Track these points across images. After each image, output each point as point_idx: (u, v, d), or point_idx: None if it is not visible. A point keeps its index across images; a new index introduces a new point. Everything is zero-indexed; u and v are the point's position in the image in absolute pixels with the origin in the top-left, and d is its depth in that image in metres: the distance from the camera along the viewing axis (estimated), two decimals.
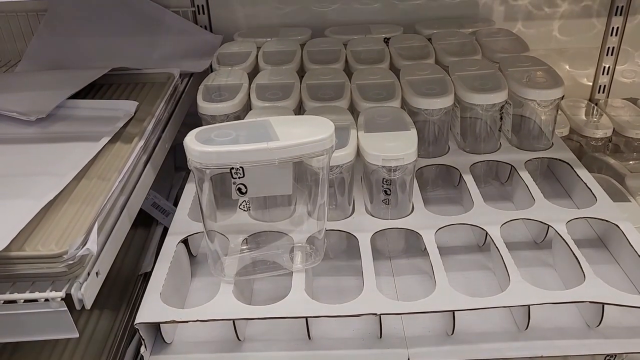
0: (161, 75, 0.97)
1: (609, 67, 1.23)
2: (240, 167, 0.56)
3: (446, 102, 0.83)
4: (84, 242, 0.58)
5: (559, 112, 1.13)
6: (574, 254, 0.66)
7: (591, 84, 1.26)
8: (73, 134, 0.80)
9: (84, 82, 0.89)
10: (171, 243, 0.71)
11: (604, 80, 1.24)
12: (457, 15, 1.18)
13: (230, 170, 0.56)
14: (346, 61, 1.01)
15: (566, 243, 0.68)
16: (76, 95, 0.88)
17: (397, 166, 0.70)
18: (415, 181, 0.78)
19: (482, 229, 0.71)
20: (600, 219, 0.72)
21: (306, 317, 0.60)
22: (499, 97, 0.83)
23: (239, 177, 0.57)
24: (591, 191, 0.77)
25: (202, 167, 0.56)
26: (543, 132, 0.88)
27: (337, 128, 0.71)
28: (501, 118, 0.86)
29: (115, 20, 1.17)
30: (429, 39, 1.06)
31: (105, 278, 0.81)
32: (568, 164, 0.84)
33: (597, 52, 1.22)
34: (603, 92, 1.26)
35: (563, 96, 0.85)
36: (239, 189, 0.57)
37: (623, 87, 1.25)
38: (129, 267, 0.87)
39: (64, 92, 0.86)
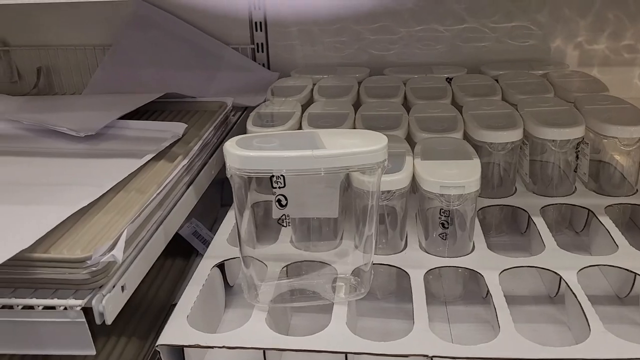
0: (214, 103, 0.96)
1: None
2: (282, 175, 0.50)
3: (514, 135, 0.76)
4: (110, 249, 0.53)
5: None
6: None
7: None
8: (119, 151, 0.78)
9: (135, 105, 0.88)
10: (205, 266, 0.66)
11: None
12: (529, 58, 1.12)
13: (271, 178, 0.51)
14: (405, 97, 0.96)
15: None
16: (129, 119, 0.88)
17: (456, 195, 0.62)
18: (477, 219, 0.71)
19: (556, 273, 0.62)
20: None
21: (346, 353, 0.52)
22: (575, 133, 0.75)
23: (280, 187, 0.51)
24: None
25: (240, 173, 0.51)
26: (625, 177, 0.78)
27: (391, 154, 0.66)
28: (577, 158, 0.78)
29: (176, 54, 1.18)
30: (496, 80, 1.01)
31: (137, 305, 0.77)
32: None
33: None
34: None
35: None
36: (279, 201, 0.52)
37: None
38: (163, 296, 0.82)
39: (115, 112, 0.85)
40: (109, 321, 0.54)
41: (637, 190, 0.79)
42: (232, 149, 0.51)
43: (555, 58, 1.12)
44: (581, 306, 0.56)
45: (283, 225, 0.55)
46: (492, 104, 0.86)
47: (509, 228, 0.83)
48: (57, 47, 1.23)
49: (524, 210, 0.76)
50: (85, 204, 0.60)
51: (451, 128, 0.79)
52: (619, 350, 0.50)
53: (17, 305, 0.52)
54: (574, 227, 0.82)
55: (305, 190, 0.56)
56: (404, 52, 1.15)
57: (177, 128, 0.83)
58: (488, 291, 0.60)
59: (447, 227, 0.65)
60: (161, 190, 0.65)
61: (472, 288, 0.70)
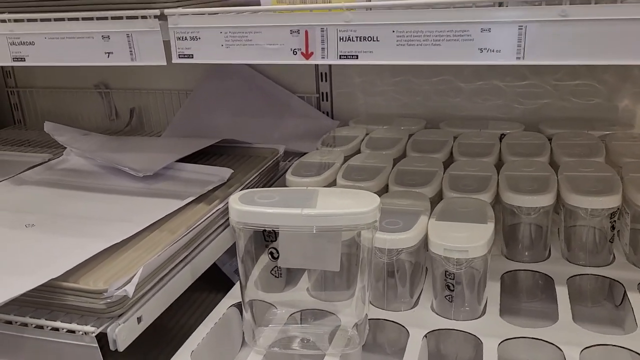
0: (267, 150, 1.03)
1: None
2: (273, 230, 0.55)
3: (544, 201, 0.75)
4: (126, 284, 0.60)
5: None
6: None
7: None
8: (169, 191, 0.87)
9: (193, 149, 0.97)
10: (223, 305, 0.71)
11: None
12: (592, 117, 1.08)
13: (263, 232, 0.55)
14: (452, 153, 0.97)
15: None
16: (189, 160, 0.97)
17: (460, 259, 0.63)
18: (496, 284, 0.70)
19: (558, 348, 0.60)
20: None
21: None
22: (607, 203, 0.72)
23: (271, 240, 0.56)
24: None
25: (237, 225, 0.56)
26: None
27: (407, 212, 0.68)
28: (612, 228, 0.75)
29: (248, 101, 1.27)
30: (550, 138, 0.98)
31: (171, 338, 0.84)
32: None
33: None
34: None
35: None
36: (271, 253, 0.56)
37: None
38: (187, 331, 0.88)
39: (173, 155, 0.94)
40: (121, 348, 0.60)
41: None
42: (233, 202, 0.57)
43: (624, 119, 1.07)
44: None
45: (275, 276, 0.59)
46: (532, 165, 0.85)
47: (542, 293, 0.80)
48: (148, 90, 1.38)
49: (550, 277, 0.74)
50: (118, 240, 0.68)
51: (481, 189, 0.79)
52: None
53: (46, 327, 0.60)
54: (615, 300, 0.78)
55: (305, 244, 0.60)
56: (463, 105, 1.16)
57: (224, 173, 0.90)
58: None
59: (453, 290, 0.65)
60: (189, 232, 0.72)
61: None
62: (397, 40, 0.56)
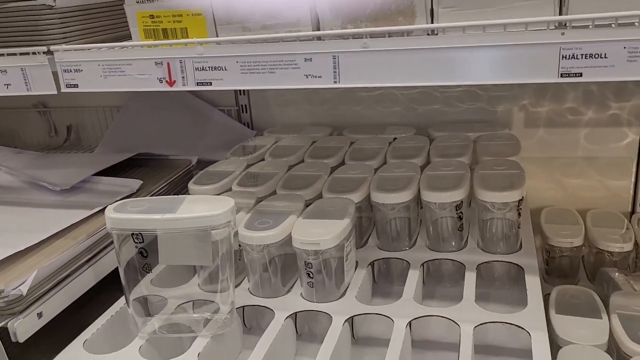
0: (180, 161, 1.13)
1: None
2: (139, 233, 0.65)
3: (402, 197, 0.86)
4: (22, 284, 0.70)
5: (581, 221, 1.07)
6: None
7: (630, 196, 1.17)
8: (82, 203, 0.97)
9: (109, 163, 1.07)
10: (122, 300, 0.81)
11: None
12: (474, 120, 1.20)
13: (132, 235, 0.66)
14: (344, 158, 1.08)
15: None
16: (109, 173, 1.07)
17: (312, 250, 0.74)
18: (362, 271, 0.82)
19: (391, 319, 0.72)
20: (513, 325, 0.68)
21: None
22: (451, 197, 0.84)
23: (140, 242, 0.66)
24: (526, 297, 0.73)
25: (111, 231, 0.66)
26: (508, 235, 0.86)
27: (279, 213, 0.79)
28: (460, 218, 0.86)
29: (175, 115, 1.38)
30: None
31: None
32: (519, 266, 0.81)
33: (631, 162, 1.15)
34: None
35: (521, 199, 0.83)
36: (140, 252, 0.67)
37: None
38: None
39: (89, 170, 1.04)
40: (21, 339, 0.70)
41: (520, 248, 0.86)
42: (108, 211, 0.67)
43: (502, 120, 1.19)
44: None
45: (147, 272, 0.69)
46: (403, 166, 0.96)
47: (401, 277, 0.90)
48: (84, 107, 1.47)
49: (407, 262, 0.86)
50: (22, 247, 0.78)
51: (354, 189, 0.90)
52: None
53: None
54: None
55: (179, 243, 0.70)
56: (365, 113, 1.27)
57: (134, 184, 1.00)
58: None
59: (312, 277, 0.77)
60: (89, 238, 0.82)
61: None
62: (241, 69, 0.67)
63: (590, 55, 0.56)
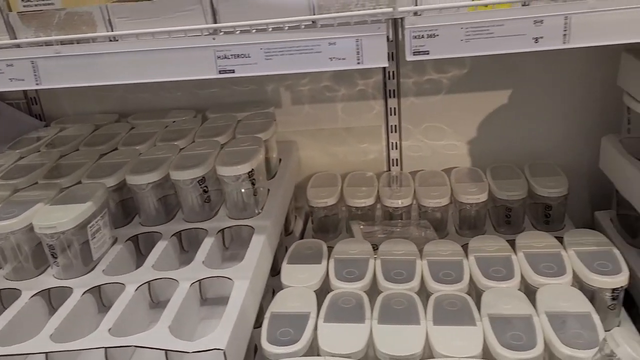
0: None
1: (396, 143, 1.35)
2: None
3: (154, 177, 0.97)
4: None
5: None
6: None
7: (384, 157, 1.37)
8: None
9: None
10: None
11: (395, 155, 1.36)
12: (248, 101, 1.33)
13: None
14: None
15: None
16: None
17: (49, 234, 0.83)
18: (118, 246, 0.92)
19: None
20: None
21: None
22: (192, 174, 0.96)
23: None
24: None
25: None
26: (247, 203, 0.99)
27: (29, 202, 0.86)
28: (205, 191, 0.99)
29: None
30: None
31: None
32: (251, 227, 0.95)
33: (380, 130, 1.34)
34: (397, 165, 1.37)
35: (251, 171, 0.97)
36: None
37: (412, 160, 1.36)
38: None
39: None
40: None
41: (258, 213, 1.00)
42: None
43: (273, 99, 1.33)
44: None
45: None
46: (163, 148, 1.07)
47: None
48: None
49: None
50: None
51: (111, 173, 0.99)
52: None
53: None
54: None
55: None
56: (151, 99, 1.35)
57: None
58: None
59: (57, 257, 0.86)
60: None
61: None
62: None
63: (239, 55, 0.70)
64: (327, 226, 1.24)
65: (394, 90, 1.29)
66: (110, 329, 0.74)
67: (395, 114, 1.32)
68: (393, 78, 1.28)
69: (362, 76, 1.29)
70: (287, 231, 1.23)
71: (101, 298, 0.87)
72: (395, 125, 1.33)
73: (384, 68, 1.26)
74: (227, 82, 1.33)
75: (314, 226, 1.25)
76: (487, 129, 1.30)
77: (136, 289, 0.83)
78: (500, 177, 1.20)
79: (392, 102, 1.31)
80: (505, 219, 1.17)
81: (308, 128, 1.35)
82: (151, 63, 0.70)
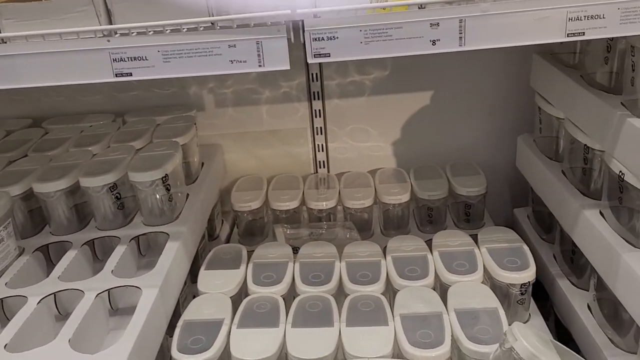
0: None
1: (322, 145, 1.35)
2: None
3: (108, 179, 0.94)
4: None
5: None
6: None
7: (310, 159, 1.36)
8: None
9: None
10: None
11: (322, 157, 1.36)
12: (170, 104, 1.30)
13: None
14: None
15: None
16: None
17: None
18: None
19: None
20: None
21: None
22: (102, 180, 0.93)
23: None
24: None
25: None
26: (161, 209, 0.97)
27: None
28: (117, 198, 0.96)
29: None
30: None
31: None
32: (166, 233, 0.93)
33: (306, 132, 1.34)
34: (324, 167, 1.37)
35: (165, 176, 0.95)
36: None
37: (340, 162, 1.36)
38: None
39: None
40: None
41: (175, 219, 0.98)
42: None
43: (195, 102, 1.30)
44: None
45: None
46: (75, 155, 1.03)
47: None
48: None
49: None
50: None
51: (17, 181, 0.95)
52: None
53: None
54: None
55: None
56: (67, 104, 1.30)
57: None
58: None
59: None
60: None
61: None
62: None
63: (135, 58, 0.68)
64: (254, 230, 1.23)
65: (318, 92, 1.29)
66: (6, 345, 0.71)
67: (320, 116, 1.32)
68: (317, 80, 1.28)
69: (286, 78, 1.28)
70: (212, 236, 1.21)
71: (4, 312, 0.83)
72: (321, 127, 1.33)
73: (307, 70, 1.26)
74: (148, 84, 1.29)
75: (240, 230, 1.23)
76: (410, 130, 1.32)
77: (39, 302, 0.79)
78: (423, 177, 1.22)
79: (317, 104, 1.31)
80: (427, 218, 1.19)
81: (233, 131, 1.33)
82: (42, 66, 0.67)
